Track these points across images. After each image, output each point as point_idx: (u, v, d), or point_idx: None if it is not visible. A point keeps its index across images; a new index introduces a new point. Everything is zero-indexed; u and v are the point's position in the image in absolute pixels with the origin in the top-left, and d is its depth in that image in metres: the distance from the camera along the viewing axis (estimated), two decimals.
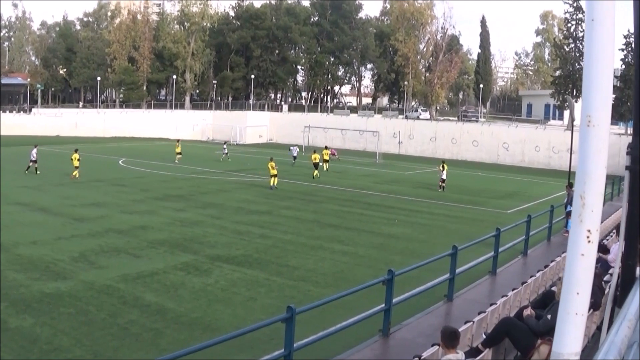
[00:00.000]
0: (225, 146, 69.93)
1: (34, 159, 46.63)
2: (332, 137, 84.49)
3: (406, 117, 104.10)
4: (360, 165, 66.27)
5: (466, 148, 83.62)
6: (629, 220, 3.15)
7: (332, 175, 52.88)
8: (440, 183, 47.26)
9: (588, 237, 2.28)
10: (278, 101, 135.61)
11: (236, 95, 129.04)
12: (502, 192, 49.43)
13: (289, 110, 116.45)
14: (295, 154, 65.79)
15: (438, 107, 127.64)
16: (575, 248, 2.31)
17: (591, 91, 2.27)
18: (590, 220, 2.28)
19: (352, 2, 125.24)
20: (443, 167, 47.33)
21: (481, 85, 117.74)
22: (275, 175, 43.49)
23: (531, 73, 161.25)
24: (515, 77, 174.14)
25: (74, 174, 44.91)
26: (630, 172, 3.18)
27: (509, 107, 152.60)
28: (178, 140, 67.74)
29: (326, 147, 61.42)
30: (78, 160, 45.31)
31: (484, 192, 47.52)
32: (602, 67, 2.25)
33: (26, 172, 46.15)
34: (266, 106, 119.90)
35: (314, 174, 51.89)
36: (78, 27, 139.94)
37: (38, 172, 46.23)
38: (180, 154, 61.30)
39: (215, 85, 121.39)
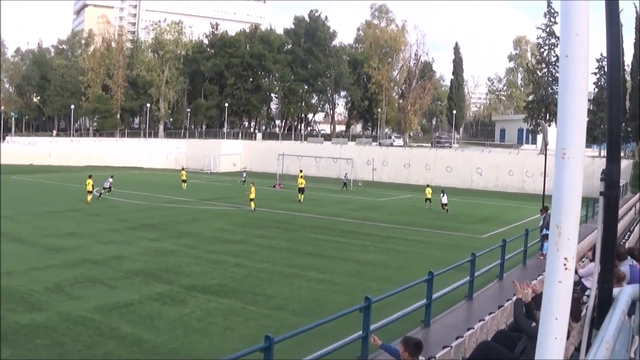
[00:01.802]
0: (244, 173, 75.77)
1: (106, 186, 50.93)
2: (306, 165, 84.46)
3: (380, 144, 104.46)
4: (335, 193, 66.30)
5: (440, 174, 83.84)
6: (604, 244, 3.25)
7: (306, 203, 52.95)
8: (444, 206, 50.58)
9: (565, 264, 2.36)
10: (252, 129, 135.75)
11: (210, 124, 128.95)
12: (477, 216, 49.66)
13: (263, 138, 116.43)
14: (345, 180, 71.63)
15: (411, 134, 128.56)
16: (552, 275, 2.38)
17: (566, 125, 2.36)
18: (567, 248, 2.36)
19: (326, 29, 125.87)
20: (443, 192, 51.86)
21: (454, 111, 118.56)
22: (252, 199, 47.17)
23: (504, 98, 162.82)
24: (488, 102, 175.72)
25: (88, 199, 47.91)
26: (604, 197, 3.28)
27: (482, 133, 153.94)
28: (183, 168, 70.71)
29: (301, 171, 62.41)
30: (92, 186, 48.17)
31: (459, 217, 47.69)
32: (576, 102, 2.35)
33: (99, 198, 50.23)
34: (240, 134, 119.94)
35: (300, 198, 55.19)
36: (52, 55, 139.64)
37: (100, 197, 50.00)
38: (185, 181, 64.53)
39: (189, 114, 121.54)
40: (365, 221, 43.62)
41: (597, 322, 3.26)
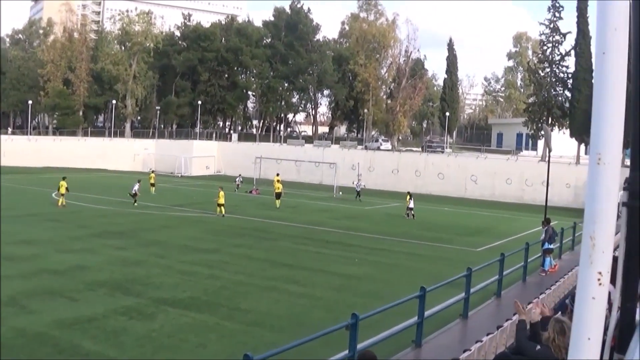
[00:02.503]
0: (239, 177, 76.20)
1: (133, 192, 52.28)
2: (286, 169, 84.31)
3: (366, 148, 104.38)
4: (316, 200, 66.29)
5: (431, 181, 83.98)
6: (627, 259, 3.24)
7: (286, 210, 52.98)
8: (410, 211, 52.20)
9: (599, 279, 2.36)
10: (227, 130, 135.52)
11: (181, 123, 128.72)
12: (471, 228, 49.70)
13: (239, 139, 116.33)
14: (358, 188, 70.01)
15: (400, 137, 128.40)
16: (585, 291, 2.38)
17: (601, 128, 2.35)
18: (601, 262, 2.36)
19: (309, 22, 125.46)
20: (410, 196, 53.17)
21: (447, 113, 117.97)
22: (222, 205, 47.58)
23: (502, 100, 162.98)
24: (485, 104, 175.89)
25: (60, 202, 48.56)
26: (628, 208, 3.27)
27: (477, 137, 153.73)
28: (153, 171, 70.97)
29: (278, 174, 62.60)
30: (66, 188, 48.49)
31: (451, 229, 47.75)
32: (613, 103, 2.34)
33: (134, 204, 51.95)
34: (214, 135, 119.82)
35: (277, 204, 55.86)
36: (8, 45, 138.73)
37: (135, 204, 51.24)
38: (153, 185, 64.73)
39: (158, 112, 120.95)
40: (349, 231, 43.64)
41: (619, 345, 3.26)
